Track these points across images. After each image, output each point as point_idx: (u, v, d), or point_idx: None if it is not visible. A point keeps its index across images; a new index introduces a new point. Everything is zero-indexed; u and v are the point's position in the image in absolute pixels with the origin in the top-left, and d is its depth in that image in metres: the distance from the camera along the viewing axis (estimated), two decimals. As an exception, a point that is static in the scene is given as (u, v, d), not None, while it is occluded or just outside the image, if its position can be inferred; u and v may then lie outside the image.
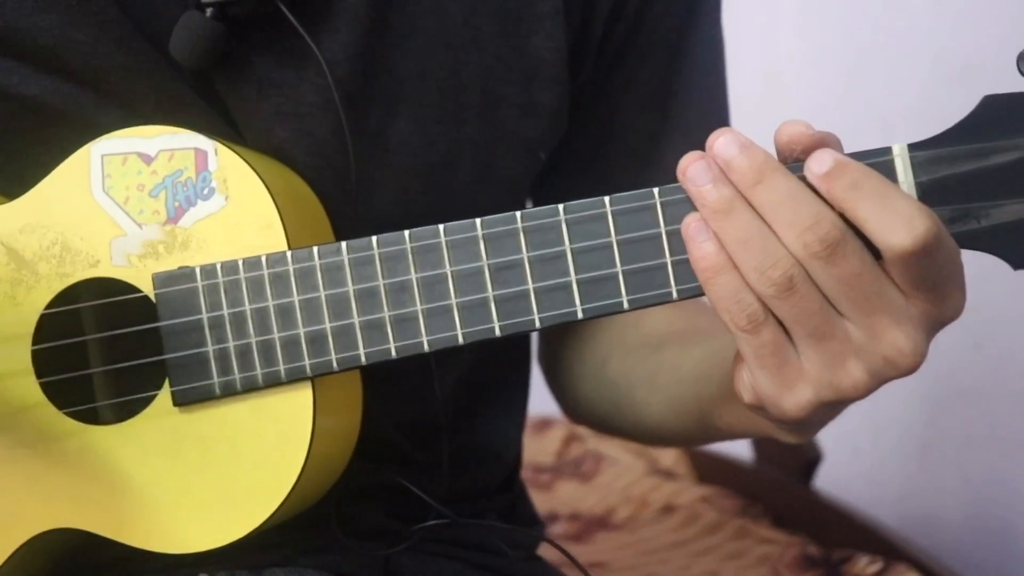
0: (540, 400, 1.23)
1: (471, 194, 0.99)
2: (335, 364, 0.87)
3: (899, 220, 0.76)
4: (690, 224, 0.80)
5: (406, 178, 0.98)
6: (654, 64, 1.06)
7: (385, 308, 0.86)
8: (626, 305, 0.83)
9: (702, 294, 0.81)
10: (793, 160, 0.80)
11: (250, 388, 0.88)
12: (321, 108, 0.95)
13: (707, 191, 0.79)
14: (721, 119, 1.10)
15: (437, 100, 0.98)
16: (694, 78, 1.08)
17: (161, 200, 0.90)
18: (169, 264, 0.89)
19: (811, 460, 1.80)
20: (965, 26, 1.70)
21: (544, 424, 2.02)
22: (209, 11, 0.92)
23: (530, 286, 0.84)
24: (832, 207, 0.78)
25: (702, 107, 1.09)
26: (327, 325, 0.87)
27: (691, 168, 0.80)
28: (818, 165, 0.78)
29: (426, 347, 0.86)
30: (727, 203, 0.79)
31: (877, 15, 1.85)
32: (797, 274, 0.78)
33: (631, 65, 1.06)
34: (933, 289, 0.79)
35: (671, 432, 1.05)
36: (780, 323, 0.80)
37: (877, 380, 0.81)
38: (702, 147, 1.09)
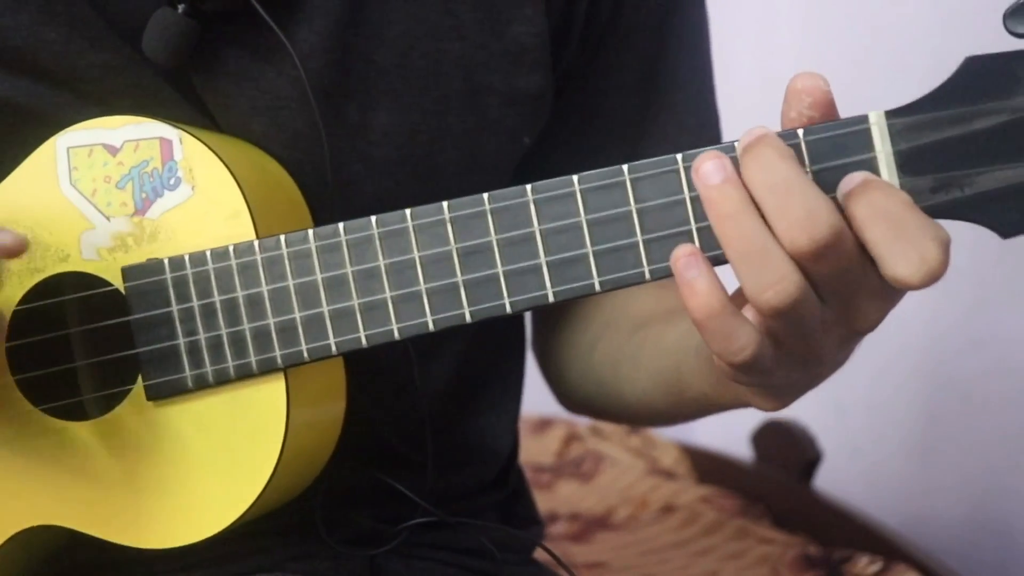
0: (540, 400, 1.22)
1: (456, 183, 0.97)
2: (306, 354, 0.86)
3: (913, 252, 0.74)
4: (679, 259, 0.76)
5: (389, 170, 0.97)
6: (638, 46, 1.05)
7: (354, 296, 0.85)
8: (598, 287, 0.81)
9: (673, 275, 0.78)
10: (796, 112, 0.77)
11: (222, 381, 0.87)
12: (297, 101, 0.94)
13: (715, 192, 0.75)
14: (708, 100, 1.08)
15: (418, 90, 0.97)
16: (679, 59, 1.07)
17: (128, 191, 0.89)
18: (139, 256, 0.88)
19: (811, 460, 1.80)
20: (964, 26, 1.69)
21: (544, 424, 2.01)
22: (181, 7, 0.91)
23: (499, 269, 0.82)
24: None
25: (688, 88, 1.07)
26: (296, 315, 0.86)
27: (704, 166, 0.76)
28: (847, 185, 0.75)
29: (396, 335, 0.84)
30: (736, 206, 0.75)
31: (876, 15, 1.85)
32: (797, 292, 0.74)
33: (615, 48, 1.04)
34: None
35: (652, 408, 1.03)
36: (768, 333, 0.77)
37: (846, 350, 0.80)
38: (689, 128, 1.08)
